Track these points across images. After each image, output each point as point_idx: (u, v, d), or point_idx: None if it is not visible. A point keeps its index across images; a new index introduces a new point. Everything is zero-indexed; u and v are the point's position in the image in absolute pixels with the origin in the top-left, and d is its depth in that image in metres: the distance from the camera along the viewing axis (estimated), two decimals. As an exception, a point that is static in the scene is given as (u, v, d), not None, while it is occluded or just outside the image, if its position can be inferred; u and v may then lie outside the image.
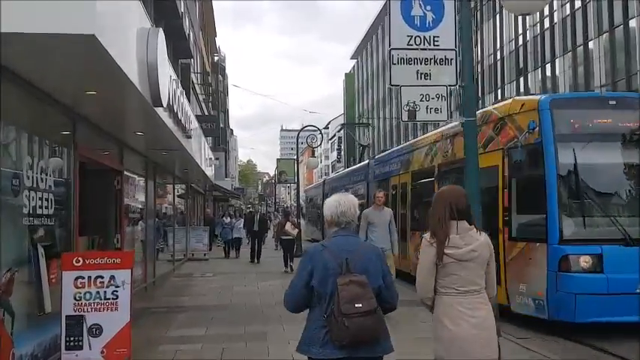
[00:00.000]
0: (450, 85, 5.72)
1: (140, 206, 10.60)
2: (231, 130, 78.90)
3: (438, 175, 10.09)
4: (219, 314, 8.56)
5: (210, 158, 18.50)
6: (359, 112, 69.64)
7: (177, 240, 17.31)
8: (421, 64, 5.49)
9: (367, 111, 64.14)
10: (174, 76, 7.81)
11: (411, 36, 5.47)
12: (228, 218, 19.21)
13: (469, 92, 5.68)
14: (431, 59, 5.54)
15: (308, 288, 2.86)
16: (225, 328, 7.58)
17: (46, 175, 5.62)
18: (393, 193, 12.79)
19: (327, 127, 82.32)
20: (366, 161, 17.42)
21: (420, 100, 5.47)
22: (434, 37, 5.51)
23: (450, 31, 5.53)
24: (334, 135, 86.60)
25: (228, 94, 53.44)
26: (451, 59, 5.68)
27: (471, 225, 3.11)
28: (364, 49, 69.13)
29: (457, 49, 5.62)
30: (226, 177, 39.86)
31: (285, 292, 2.97)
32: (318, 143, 20.15)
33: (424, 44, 5.47)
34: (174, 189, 15.60)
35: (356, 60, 74.79)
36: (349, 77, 74.39)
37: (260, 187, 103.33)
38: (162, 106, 6.36)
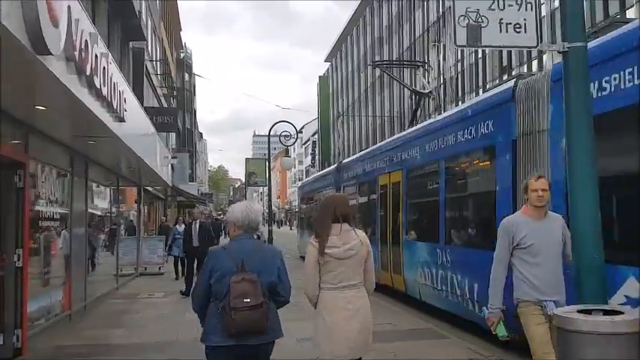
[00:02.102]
0: (539, -17, 3.31)
1: (62, 211, 8.20)
2: (201, 133, 75.92)
3: None
4: (159, 358, 6.28)
5: (166, 157, 16.10)
6: (334, 114, 67.73)
7: (126, 252, 14.87)
8: (490, -62, 2.92)
9: (342, 113, 62.28)
10: (90, 28, 5.54)
11: None
12: (183, 226, 14.01)
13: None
14: None
15: (209, 286, 3.19)
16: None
17: None
18: None
19: (300, 132, 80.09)
20: (484, 96, 7.79)
21: (489, 9, 2.98)
22: None
23: None
24: (308, 139, 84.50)
25: (195, 94, 50.76)
26: None
27: (351, 227, 3.50)
28: (338, 51, 67.45)
29: None
30: (192, 181, 37.24)
31: (192, 291, 3.37)
32: (292, 141, 17.88)
33: None
34: (117, 191, 13.14)
35: (330, 63, 73.04)
36: (323, 80, 72.56)
37: (231, 193, 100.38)
38: (50, 53, 4.10)
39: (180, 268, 14.12)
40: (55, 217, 7.71)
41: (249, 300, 3.04)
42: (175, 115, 17.57)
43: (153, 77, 20.33)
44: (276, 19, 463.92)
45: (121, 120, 7.44)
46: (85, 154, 9.17)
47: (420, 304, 9.29)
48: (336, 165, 16.38)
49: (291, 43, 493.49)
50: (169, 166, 17.09)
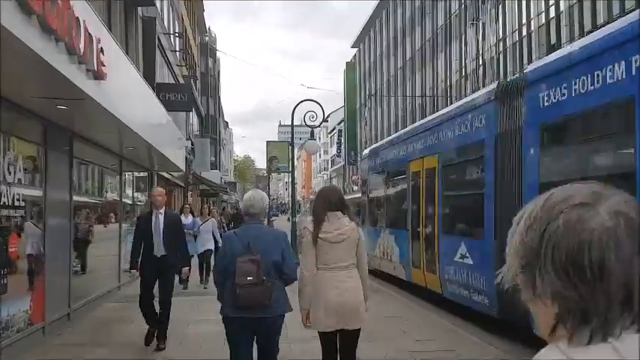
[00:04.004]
0: None
1: (30, 196, 6.46)
2: (226, 122, 74.59)
3: None
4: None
5: (180, 138, 14.38)
6: (360, 101, 65.50)
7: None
8: None
9: (372, 94, 60.04)
10: None
11: None
12: (190, 217, 11.08)
13: None
14: None
15: (225, 266, 3.70)
16: None
17: None
18: None
19: (326, 120, 78.04)
20: None
21: None
22: None
23: None
24: (334, 128, 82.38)
25: (219, 80, 49.23)
26: None
27: (344, 215, 3.90)
28: (366, 35, 65.04)
29: None
30: (214, 169, 35.70)
31: (212, 269, 4.15)
32: (319, 122, 15.90)
33: None
34: (121, 176, 11.42)
35: (357, 48, 70.67)
36: (350, 66, 70.22)
37: (255, 182, 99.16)
38: None
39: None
40: (15, 203, 5.96)
41: (252, 278, 3.52)
42: (189, 92, 15.72)
43: (169, 54, 18.60)
44: (303, 8, 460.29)
45: (98, 76, 5.63)
46: (68, 125, 7.43)
47: (484, 320, 7.28)
48: (496, 87, 7.44)
49: (317, 34, 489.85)
50: (184, 149, 15.38)
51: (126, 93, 7.32)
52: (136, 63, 13.52)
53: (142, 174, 14.12)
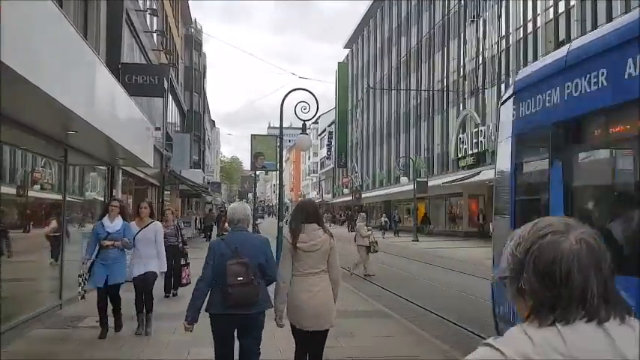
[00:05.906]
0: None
1: None
2: (213, 121, 72.41)
3: None
4: None
5: (148, 128, 12.35)
6: (353, 102, 63.80)
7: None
8: None
9: (362, 100, 58.35)
10: None
11: None
12: (119, 220, 6.68)
13: None
14: None
15: (212, 269, 4.04)
16: None
17: None
18: None
19: (316, 122, 76.25)
20: None
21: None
22: None
23: None
24: (324, 130, 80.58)
25: (205, 76, 47.14)
26: None
27: (319, 227, 4.22)
28: (359, 35, 63.38)
29: None
30: (197, 168, 33.62)
31: (199, 278, 4.08)
32: (311, 115, 13.93)
33: None
34: (65, 168, 9.36)
35: (350, 49, 69.01)
36: (342, 67, 68.56)
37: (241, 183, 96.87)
38: None
39: (109, 304, 6.79)
40: None
41: (242, 278, 3.94)
42: (164, 75, 13.63)
43: (142, 36, 16.54)
44: (292, 10, 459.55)
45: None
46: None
47: None
48: None
49: (309, 37, 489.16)
50: (152, 140, 13.32)
51: (47, 47, 5.31)
52: (96, 38, 11.49)
53: (102, 168, 12.09)
